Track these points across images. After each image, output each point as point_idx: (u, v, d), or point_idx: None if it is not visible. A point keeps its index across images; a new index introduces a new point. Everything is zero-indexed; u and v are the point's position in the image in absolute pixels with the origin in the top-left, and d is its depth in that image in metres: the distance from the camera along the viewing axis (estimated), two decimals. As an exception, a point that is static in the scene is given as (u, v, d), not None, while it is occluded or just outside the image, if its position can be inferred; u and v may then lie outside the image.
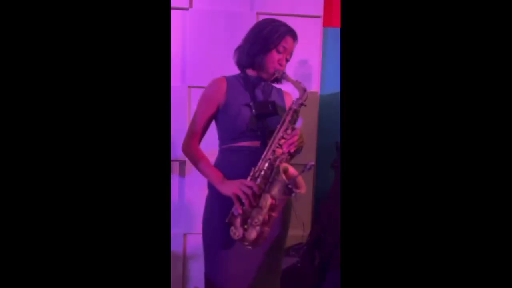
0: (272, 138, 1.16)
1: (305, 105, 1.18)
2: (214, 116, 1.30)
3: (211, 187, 1.28)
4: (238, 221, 1.13)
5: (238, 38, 1.95)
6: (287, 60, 1.28)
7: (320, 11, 1.98)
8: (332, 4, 2.02)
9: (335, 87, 2.03)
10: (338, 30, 2.01)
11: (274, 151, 1.15)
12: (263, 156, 1.15)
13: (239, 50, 1.31)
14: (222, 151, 1.30)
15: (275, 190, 1.08)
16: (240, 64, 1.32)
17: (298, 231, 1.74)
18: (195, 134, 1.29)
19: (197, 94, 1.98)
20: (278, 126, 1.17)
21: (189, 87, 1.98)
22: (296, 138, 1.15)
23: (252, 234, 1.09)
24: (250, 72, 1.31)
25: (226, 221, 1.15)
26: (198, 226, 2.00)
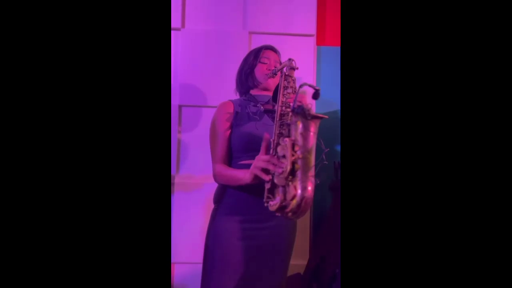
0: (276, 106, 1.13)
1: (297, 68, 1.19)
2: (230, 136, 1.34)
3: (217, 202, 1.35)
4: (275, 196, 1.04)
5: (231, 57, 1.92)
6: (276, 68, 1.28)
7: (313, 30, 1.98)
8: (325, 23, 2.02)
9: (329, 105, 2.01)
10: (331, 49, 2.01)
11: (281, 114, 1.10)
12: (274, 128, 1.10)
13: (236, 82, 1.48)
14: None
15: (292, 134, 1.00)
16: (240, 92, 1.47)
17: (296, 259, 1.68)
18: (219, 157, 1.33)
19: (188, 114, 1.94)
20: (278, 95, 1.14)
21: (180, 106, 1.94)
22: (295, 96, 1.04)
23: (290, 193, 0.98)
24: (253, 91, 1.43)
25: (264, 200, 1.06)
26: (185, 255, 1.91)
